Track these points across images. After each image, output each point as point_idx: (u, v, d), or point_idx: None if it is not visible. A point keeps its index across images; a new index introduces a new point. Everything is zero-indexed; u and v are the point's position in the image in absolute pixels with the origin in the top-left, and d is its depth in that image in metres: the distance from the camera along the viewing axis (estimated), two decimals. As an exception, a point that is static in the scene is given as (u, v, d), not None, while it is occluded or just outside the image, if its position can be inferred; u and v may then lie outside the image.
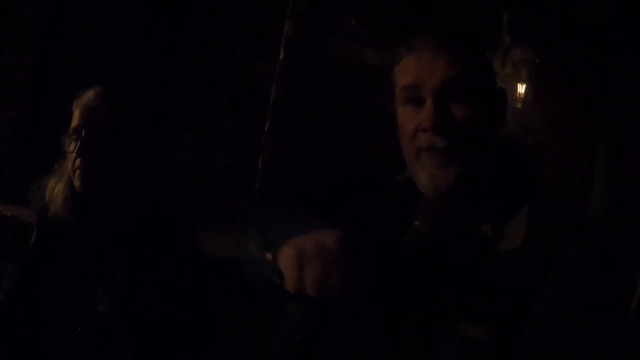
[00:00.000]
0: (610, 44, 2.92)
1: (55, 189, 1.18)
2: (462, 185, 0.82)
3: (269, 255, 0.73)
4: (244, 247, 0.89)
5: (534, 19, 2.60)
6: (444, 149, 0.80)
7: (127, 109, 1.19)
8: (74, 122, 1.14)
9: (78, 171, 1.11)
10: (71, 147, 1.12)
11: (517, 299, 0.70)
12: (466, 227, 0.81)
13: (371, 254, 0.68)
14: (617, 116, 3.27)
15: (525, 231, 0.76)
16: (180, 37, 2.47)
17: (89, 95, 1.16)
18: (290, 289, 0.67)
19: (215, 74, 2.35)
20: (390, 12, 2.26)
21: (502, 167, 0.87)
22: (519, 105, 2.62)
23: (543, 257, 0.73)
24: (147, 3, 2.55)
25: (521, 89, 2.58)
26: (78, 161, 1.11)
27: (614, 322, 0.67)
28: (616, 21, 2.69)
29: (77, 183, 1.12)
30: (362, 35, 2.19)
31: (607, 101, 3.24)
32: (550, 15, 2.65)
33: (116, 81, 1.23)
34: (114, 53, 2.53)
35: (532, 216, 0.78)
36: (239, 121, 2.19)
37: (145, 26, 2.54)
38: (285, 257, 0.69)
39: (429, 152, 0.82)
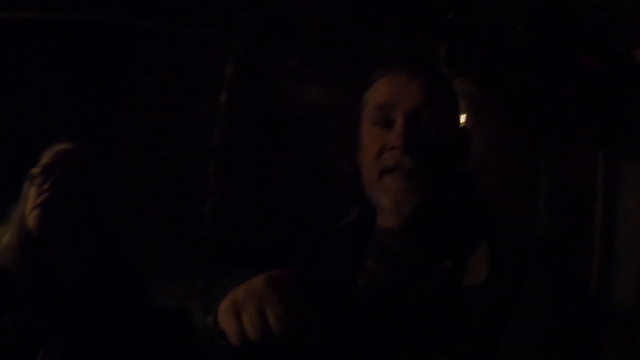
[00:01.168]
0: (542, 68, 3.04)
1: (4, 239, 1.14)
2: (424, 213, 0.81)
3: (210, 319, 0.70)
4: (194, 319, 0.84)
5: (469, 50, 2.68)
6: (411, 170, 0.79)
7: (94, 157, 1.23)
8: (46, 161, 1.14)
9: (37, 209, 1.09)
10: (38, 182, 1.11)
11: (486, 334, 0.69)
12: (426, 264, 0.78)
13: (306, 283, 0.66)
14: (555, 136, 3.39)
15: (489, 264, 0.75)
16: (121, 80, 2.39)
17: (66, 143, 1.18)
18: (234, 342, 0.64)
19: (157, 117, 2.27)
20: (331, 51, 2.26)
21: (456, 200, 0.86)
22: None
23: (508, 290, 0.72)
24: (87, 46, 2.46)
25: (462, 118, 2.63)
26: (41, 197, 1.09)
27: (584, 352, 0.67)
28: (546, 47, 2.81)
29: (33, 222, 1.10)
30: (304, 74, 2.17)
31: (543, 122, 3.36)
32: (485, 46, 2.74)
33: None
34: (54, 98, 2.42)
35: (492, 248, 0.77)
36: (183, 165, 2.12)
37: (85, 69, 2.44)
38: (222, 313, 0.66)
39: (394, 174, 0.81)
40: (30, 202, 1.12)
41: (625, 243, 3.60)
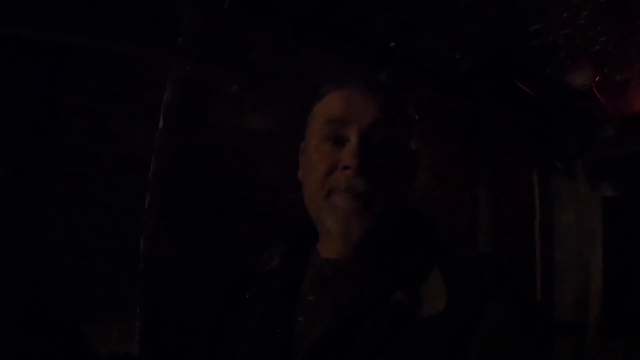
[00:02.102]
0: (480, 94, 3.14)
1: None
2: (373, 239, 0.75)
3: None
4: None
5: (411, 77, 2.71)
6: (363, 192, 0.74)
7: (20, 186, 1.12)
8: None
9: None
10: None
11: None
12: (375, 295, 0.72)
13: None
14: (493, 158, 3.48)
15: (446, 292, 0.70)
16: (52, 102, 2.22)
17: None
18: None
19: (91, 143, 2.12)
20: (272, 78, 2.22)
21: (402, 225, 0.81)
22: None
23: (468, 318, 0.67)
24: (13, 64, 2.28)
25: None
26: None
27: None
28: (484, 73, 2.90)
29: None
30: (245, 101, 2.10)
31: (482, 147, 3.44)
32: (425, 73, 2.79)
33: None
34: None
35: (446, 275, 0.72)
36: (117, 196, 1.97)
37: (11, 90, 2.26)
38: None
39: (344, 194, 0.75)
40: None
41: (565, 256, 3.73)
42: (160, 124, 1.94)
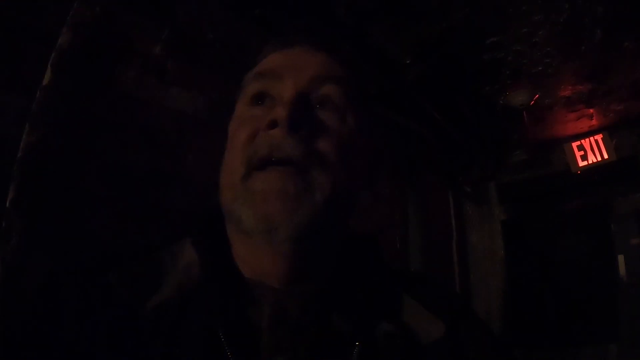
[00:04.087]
0: (417, 108, 2.85)
1: None
2: (314, 250, 0.52)
3: None
4: None
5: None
6: (295, 160, 0.50)
7: None
8: None
9: None
10: None
11: None
12: (361, 335, 0.52)
13: None
14: (419, 179, 3.26)
15: (436, 318, 0.58)
16: None
17: None
18: None
19: None
20: (205, 48, 1.60)
21: (352, 242, 0.63)
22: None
23: (459, 344, 0.58)
24: None
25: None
26: None
27: None
28: (428, 84, 2.58)
29: None
30: (169, 69, 1.44)
31: (410, 165, 3.23)
32: (370, 74, 2.40)
33: None
34: None
35: (423, 301, 0.60)
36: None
37: None
38: None
39: (267, 170, 0.49)
40: None
41: (477, 274, 3.82)
42: (46, 79, 1.18)
